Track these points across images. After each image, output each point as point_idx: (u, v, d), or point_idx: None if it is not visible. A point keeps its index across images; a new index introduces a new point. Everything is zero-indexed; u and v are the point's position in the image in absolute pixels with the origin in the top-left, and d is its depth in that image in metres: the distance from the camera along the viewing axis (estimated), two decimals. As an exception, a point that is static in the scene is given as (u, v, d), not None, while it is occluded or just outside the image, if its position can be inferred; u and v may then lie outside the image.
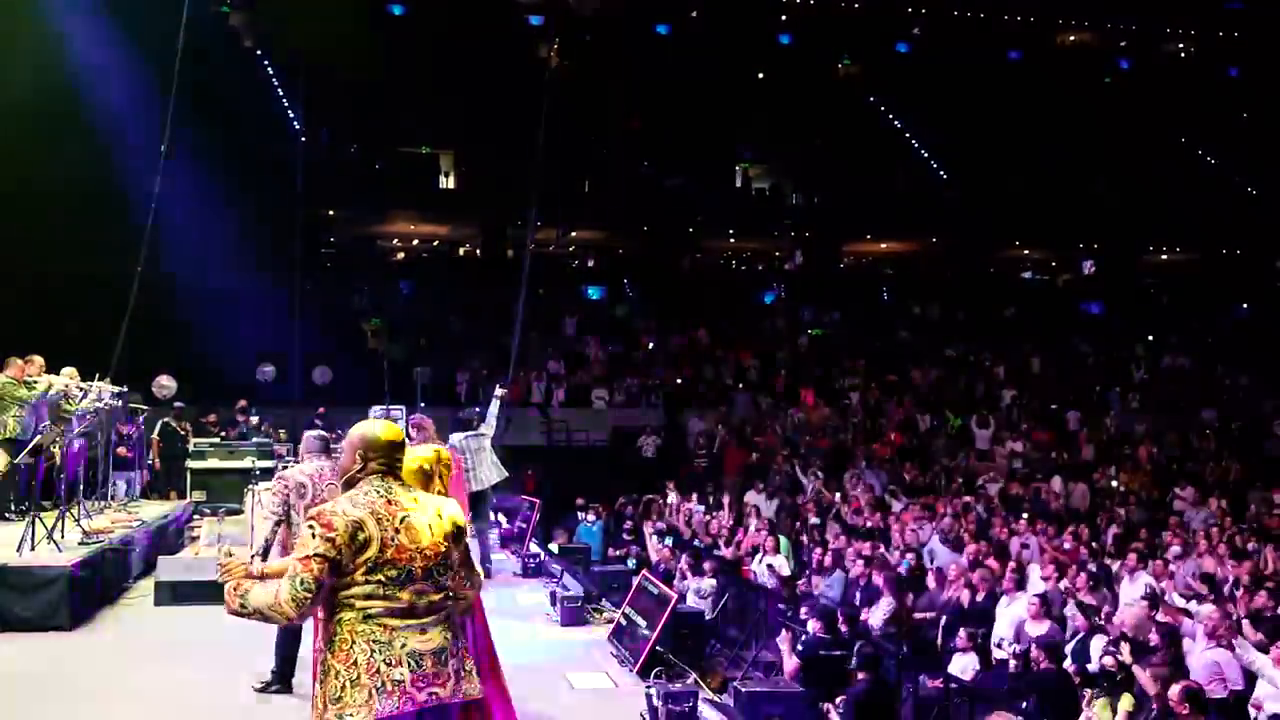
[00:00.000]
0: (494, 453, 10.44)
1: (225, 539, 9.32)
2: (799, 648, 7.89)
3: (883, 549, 11.77)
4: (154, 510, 10.99)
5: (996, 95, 30.36)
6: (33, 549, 7.88)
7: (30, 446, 8.70)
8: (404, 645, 3.25)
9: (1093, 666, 7.71)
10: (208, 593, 8.13)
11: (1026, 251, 34.06)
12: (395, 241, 32.01)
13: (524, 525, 11.70)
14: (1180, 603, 9.38)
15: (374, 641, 3.22)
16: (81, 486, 9.75)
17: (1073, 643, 8.44)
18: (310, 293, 16.93)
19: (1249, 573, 10.35)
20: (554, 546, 12.33)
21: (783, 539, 12.35)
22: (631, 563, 12.10)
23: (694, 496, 15.45)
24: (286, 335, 15.58)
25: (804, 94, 29.77)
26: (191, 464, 12.57)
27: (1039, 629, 8.45)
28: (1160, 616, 8.43)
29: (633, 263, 30.32)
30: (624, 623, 7.30)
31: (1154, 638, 7.69)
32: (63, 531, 8.25)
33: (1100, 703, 6.94)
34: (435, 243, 32.20)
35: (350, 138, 27.57)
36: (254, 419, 14.91)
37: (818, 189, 31.33)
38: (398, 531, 3.30)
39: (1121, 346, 26.72)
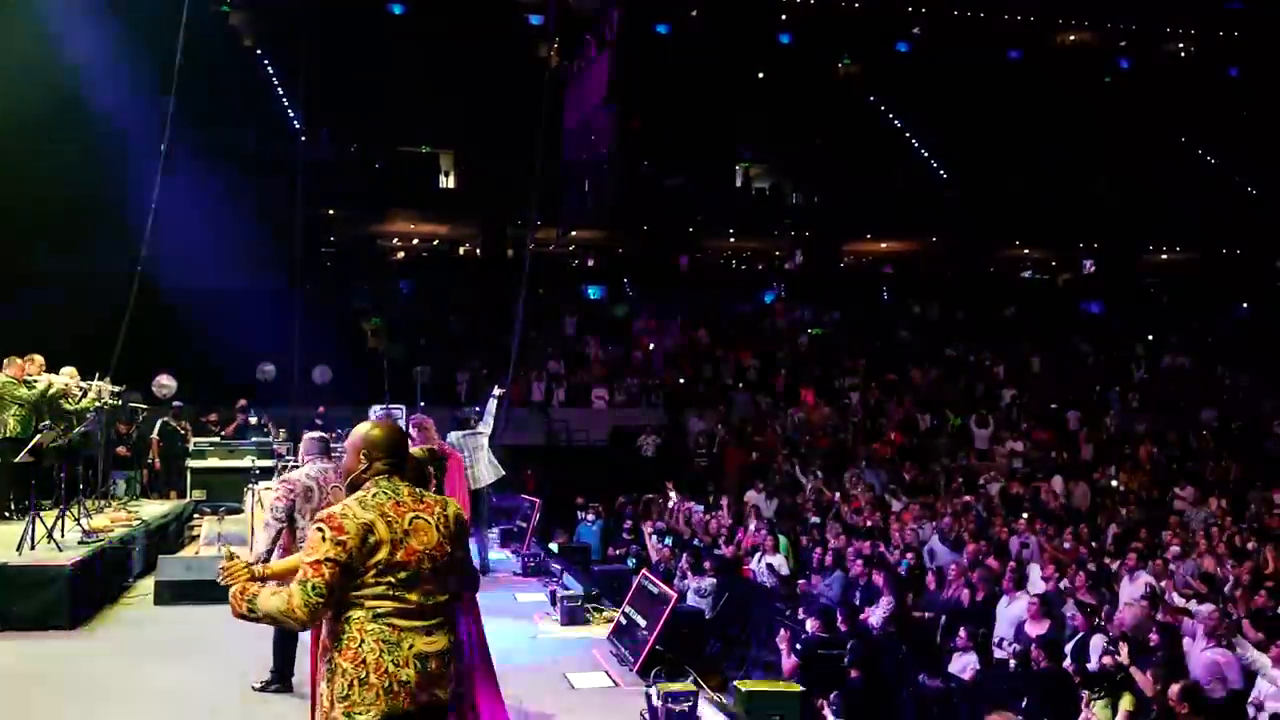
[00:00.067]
0: (492, 452, 10.45)
1: (225, 538, 9.34)
2: (797, 646, 7.90)
3: (883, 548, 11.77)
4: (154, 509, 10.99)
5: (996, 95, 30.40)
6: (33, 548, 7.89)
7: (30, 445, 8.69)
8: (411, 647, 3.25)
9: (1092, 666, 7.71)
10: (207, 592, 8.16)
11: (1026, 251, 34.07)
12: (395, 241, 32.03)
13: (524, 525, 11.71)
14: (1180, 602, 9.37)
15: (383, 641, 3.22)
16: (81, 486, 9.75)
17: (1072, 642, 8.44)
18: (310, 292, 16.90)
19: (1250, 572, 10.34)
20: (554, 546, 12.33)
21: (782, 538, 12.35)
22: (631, 562, 12.09)
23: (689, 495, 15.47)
24: (286, 335, 15.54)
25: (804, 94, 29.80)
26: (191, 463, 12.58)
27: (1039, 628, 8.45)
28: (1160, 616, 8.43)
29: (633, 262, 30.35)
30: (624, 622, 7.31)
31: (1154, 637, 7.70)
32: (63, 530, 8.26)
33: (1100, 703, 6.93)
34: (435, 242, 32.21)
35: (350, 137, 27.57)
36: (252, 419, 14.90)
37: (818, 189, 31.34)
38: (407, 533, 3.31)
39: (1121, 346, 26.73)
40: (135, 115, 16.15)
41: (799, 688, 6.48)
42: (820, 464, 17.74)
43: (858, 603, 9.81)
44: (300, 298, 15.67)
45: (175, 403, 14.48)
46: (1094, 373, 25.15)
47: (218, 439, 13.67)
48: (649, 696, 5.70)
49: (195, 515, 11.68)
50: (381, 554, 3.24)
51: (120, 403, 11.33)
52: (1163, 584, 10.03)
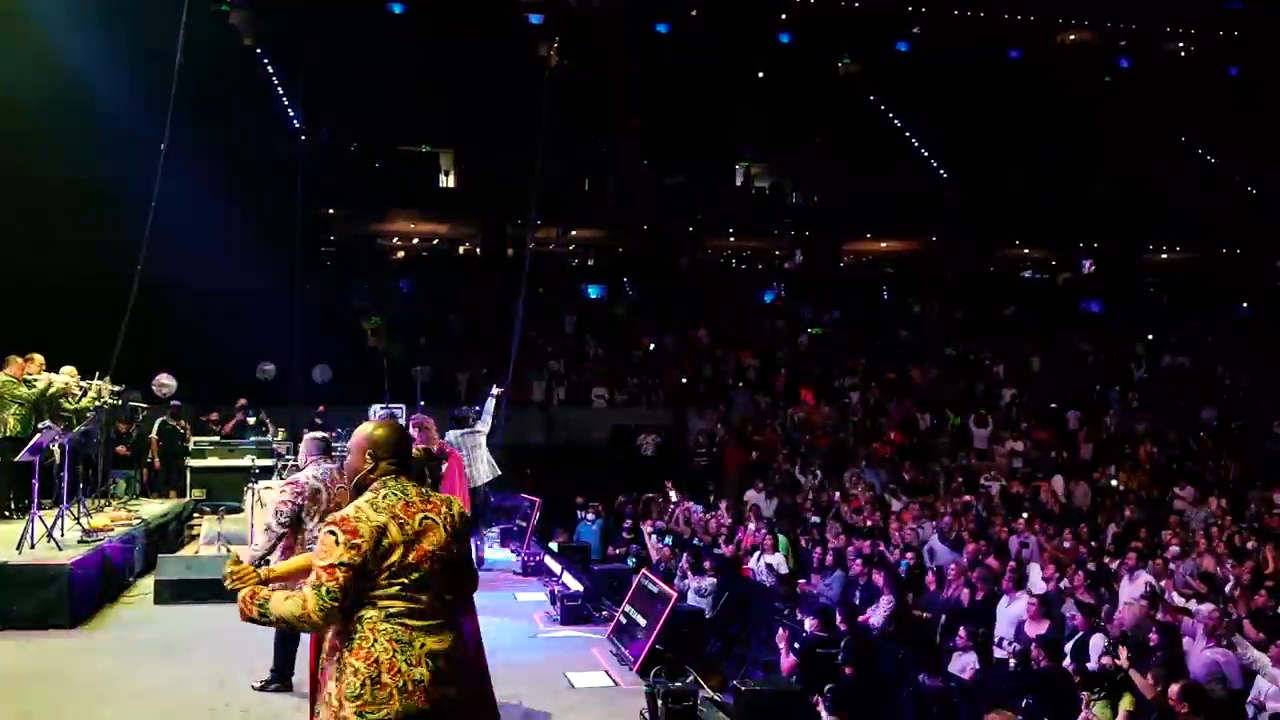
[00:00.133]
0: (489, 451, 10.47)
1: (225, 537, 9.34)
2: (795, 646, 7.90)
3: (883, 548, 11.77)
4: (153, 508, 10.99)
5: (996, 95, 30.38)
6: (33, 547, 7.89)
7: (30, 445, 8.69)
8: (423, 646, 3.27)
9: (1092, 665, 7.71)
10: (207, 591, 8.17)
11: (1026, 250, 34.07)
12: (395, 240, 32.04)
13: (524, 524, 11.71)
14: (1180, 602, 9.38)
15: (396, 641, 3.24)
16: (81, 485, 9.76)
17: (1072, 642, 8.44)
18: (310, 291, 16.91)
19: (1251, 572, 10.34)
20: (554, 545, 12.33)
21: (782, 538, 12.35)
22: (631, 561, 12.09)
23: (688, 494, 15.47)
24: (286, 334, 15.56)
25: (804, 93, 29.78)
26: (191, 462, 12.59)
27: (1038, 628, 8.45)
28: (1160, 616, 8.43)
29: (633, 261, 30.35)
30: (624, 621, 7.31)
31: (1154, 637, 7.70)
32: (62, 530, 8.26)
33: (1100, 703, 6.94)
34: (435, 241, 32.22)
35: (350, 136, 27.58)
36: (251, 419, 14.90)
37: (818, 188, 31.34)
38: (418, 534, 3.32)
39: (1121, 345, 26.73)
40: (135, 114, 16.14)
41: (799, 687, 6.49)
42: (820, 463, 17.73)
43: (857, 602, 9.81)
44: (300, 297, 15.67)
45: (174, 402, 14.49)
46: (1094, 372, 25.14)
47: (217, 438, 13.69)
48: (649, 696, 5.70)
49: (195, 514, 11.68)
50: (395, 556, 3.25)
51: (120, 402, 11.34)
52: (1162, 583, 10.03)
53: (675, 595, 7.17)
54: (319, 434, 6.40)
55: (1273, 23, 28.96)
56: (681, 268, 30.18)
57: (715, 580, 10.49)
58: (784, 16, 30.47)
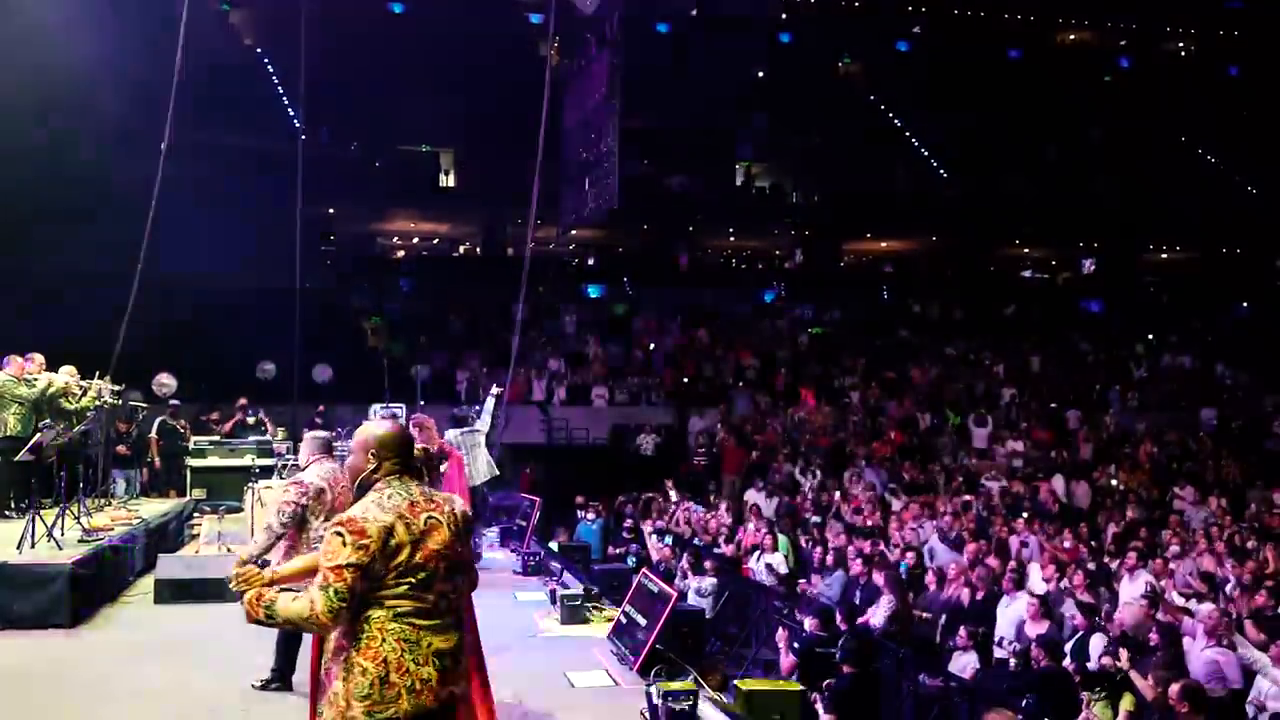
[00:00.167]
0: (490, 451, 10.46)
1: (225, 536, 9.34)
2: (795, 645, 7.90)
3: (883, 547, 11.77)
4: (154, 508, 10.99)
5: (997, 94, 30.37)
6: (33, 546, 7.89)
7: (30, 444, 8.70)
8: (430, 645, 3.29)
9: (1092, 665, 7.71)
10: (208, 590, 8.17)
11: (1026, 250, 34.08)
12: (395, 240, 32.05)
13: (524, 523, 11.71)
14: (1180, 601, 9.38)
15: (404, 640, 3.25)
16: (81, 484, 9.76)
17: (1072, 641, 8.45)
18: (310, 291, 16.90)
19: (1252, 572, 10.34)
20: (554, 545, 12.33)
21: (782, 537, 12.35)
22: (631, 561, 12.09)
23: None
24: (286, 334, 15.55)
25: (804, 93, 29.77)
26: (191, 462, 12.59)
27: (1039, 628, 8.45)
28: (1160, 615, 8.43)
29: (633, 261, 30.34)
30: (624, 621, 7.30)
31: (1154, 637, 7.70)
32: (63, 529, 8.26)
33: (1100, 703, 6.94)
34: (435, 241, 32.24)
35: (350, 136, 27.58)
36: (250, 418, 14.91)
37: (818, 187, 31.34)
38: (424, 533, 3.33)
39: (1121, 345, 26.73)
40: (135, 113, 16.14)
41: (799, 686, 6.49)
42: (820, 463, 17.73)
43: (858, 602, 9.81)
44: (300, 297, 15.67)
45: (172, 401, 14.50)
46: (1094, 372, 25.15)
47: (217, 438, 13.69)
48: (649, 695, 5.70)
49: (195, 514, 11.68)
50: (402, 556, 3.26)
51: (120, 401, 11.34)
52: (1163, 583, 10.03)
53: (675, 595, 7.16)
54: (320, 433, 6.38)
55: (1273, 23, 28.94)
56: (681, 268, 30.19)
57: (715, 580, 10.50)
58: (784, 16, 30.44)
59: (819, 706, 7.00)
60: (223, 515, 9.91)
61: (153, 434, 13.41)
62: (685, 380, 22.91)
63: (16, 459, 9.07)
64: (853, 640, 7.22)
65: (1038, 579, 10.18)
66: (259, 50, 27.52)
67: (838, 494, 15.55)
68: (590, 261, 30.81)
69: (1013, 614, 9.03)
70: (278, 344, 17.12)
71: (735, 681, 6.37)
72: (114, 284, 12.31)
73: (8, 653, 6.90)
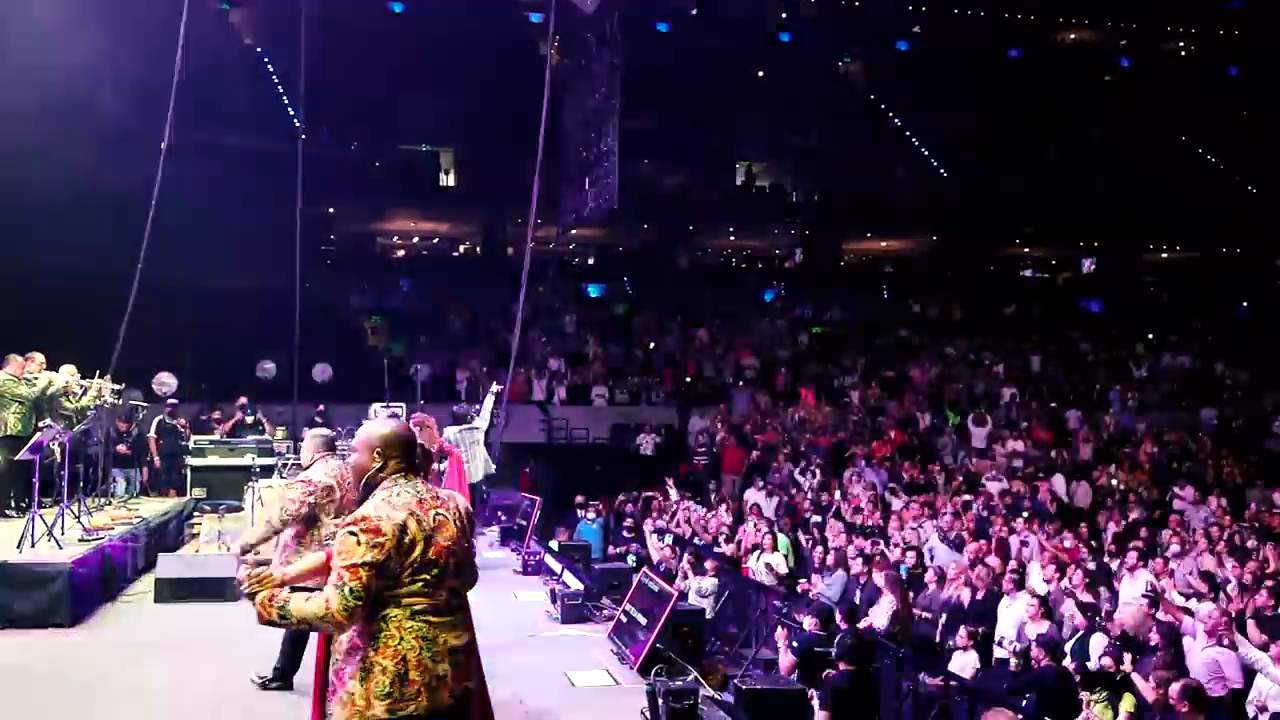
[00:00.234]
0: (489, 449, 10.47)
1: (225, 536, 9.33)
2: (794, 645, 7.90)
3: (883, 547, 11.77)
4: (154, 507, 10.99)
5: (997, 93, 30.37)
6: (33, 546, 7.88)
7: (30, 443, 8.69)
8: (445, 642, 3.33)
9: (1093, 664, 7.71)
10: (208, 589, 8.17)
11: (1026, 250, 34.07)
12: (395, 239, 32.05)
13: (524, 523, 11.71)
14: (1180, 601, 9.37)
15: (421, 638, 3.29)
16: (82, 484, 9.75)
17: (1072, 641, 8.44)
18: (310, 291, 16.92)
19: (1253, 572, 10.34)
20: (554, 544, 12.32)
21: (782, 537, 12.34)
22: (632, 560, 12.08)
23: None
24: (286, 333, 15.57)
25: (804, 92, 29.77)
26: (191, 461, 12.59)
27: (1039, 627, 8.45)
28: (1160, 615, 8.43)
29: (633, 261, 30.34)
30: (624, 620, 7.30)
31: (1154, 636, 7.70)
32: (63, 528, 8.26)
33: (1101, 704, 6.94)
34: (435, 240, 32.24)
35: (350, 136, 27.59)
36: (249, 418, 14.92)
37: (818, 187, 31.34)
38: (434, 529, 3.36)
39: (1121, 345, 26.73)
40: (136, 113, 16.15)
41: (800, 686, 6.49)
42: (820, 463, 17.73)
43: (858, 602, 9.80)
44: (300, 296, 15.68)
45: (170, 400, 14.50)
46: (1094, 372, 25.15)
47: (217, 437, 13.70)
48: (650, 695, 5.70)
49: (195, 513, 11.68)
50: (416, 552, 3.29)
51: (120, 401, 11.34)
52: (1163, 583, 10.03)
53: (676, 594, 7.17)
54: (323, 430, 6.37)
55: (1273, 23, 28.93)
56: (681, 267, 30.19)
57: (716, 581, 10.50)
58: (784, 15, 30.45)
59: (815, 703, 7.00)
60: (223, 514, 9.92)
61: (151, 433, 13.42)
62: (685, 380, 22.91)
63: (17, 458, 9.07)
64: (849, 638, 7.22)
65: (1038, 579, 10.17)
66: (259, 50, 27.52)
67: (838, 493, 15.54)
68: (590, 261, 30.82)
69: (1013, 614, 9.02)
70: (278, 344, 17.14)
71: (735, 681, 6.37)
72: (114, 284, 12.32)
73: (8, 652, 6.90)
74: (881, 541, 12.13)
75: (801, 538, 12.89)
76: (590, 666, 6.85)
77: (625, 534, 13.57)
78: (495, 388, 11.54)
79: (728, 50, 28.37)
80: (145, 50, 15.08)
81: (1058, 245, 33.57)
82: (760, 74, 30.73)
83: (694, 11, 29.06)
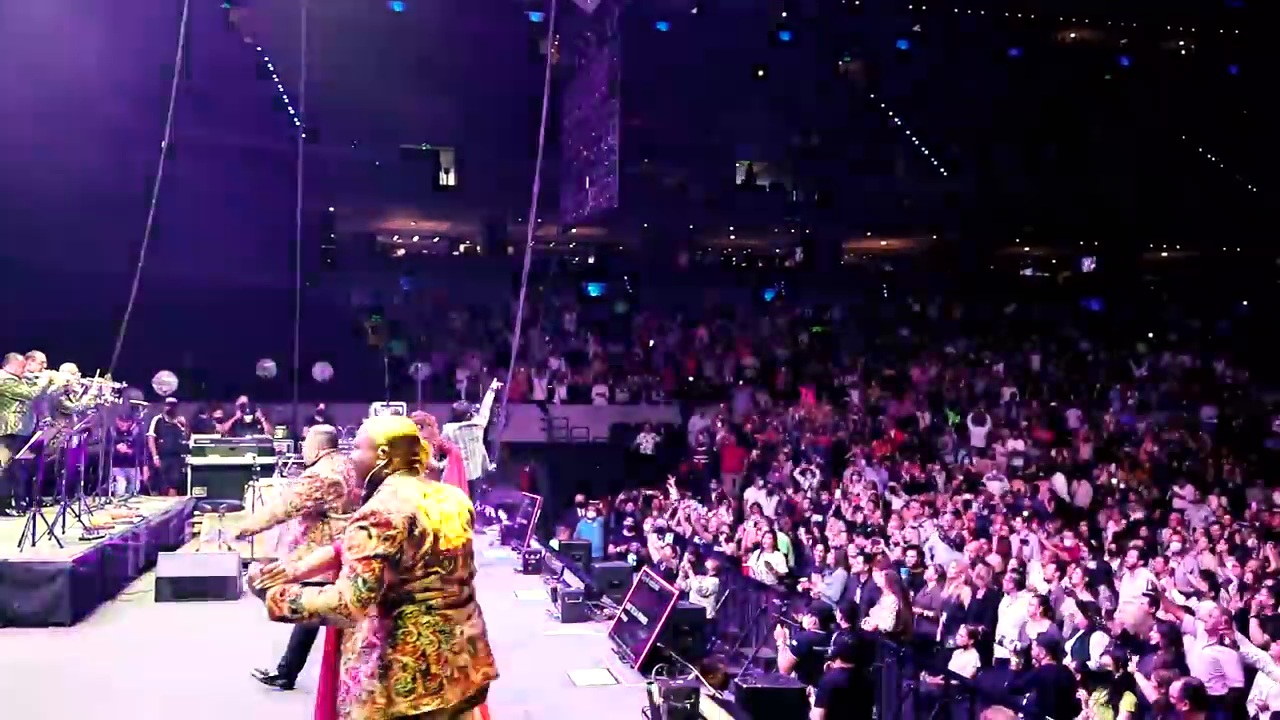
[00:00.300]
0: (488, 447, 10.46)
1: (226, 534, 9.32)
2: (793, 644, 7.90)
3: (883, 546, 11.77)
4: (154, 506, 10.99)
5: (998, 92, 30.36)
6: (34, 544, 7.88)
7: (31, 442, 8.69)
8: (461, 632, 3.39)
9: (1093, 664, 7.71)
10: (208, 588, 8.17)
11: (1027, 249, 34.06)
12: (396, 238, 32.05)
13: (524, 522, 11.70)
14: (1181, 600, 9.37)
15: (439, 632, 3.34)
16: (82, 483, 9.75)
17: (1073, 640, 8.44)
18: (310, 289, 16.92)
19: (1253, 571, 10.34)
20: (555, 543, 12.32)
21: (782, 536, 12.34)
22: (632, 559, 12.09)
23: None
24: (286, 332, 15.57)
25: (804, 90, 29.76)
26: (191, 460, 12.60)
27: (1040, 626, 8.45)
28: (1161, 614, 8.43)
29: (633, 260, 30.34)
30: (625, 619, 7.30)
31: (1155, 635, 7.70)
32: (63, 527, 8.25)
33: (1101, 703, 6.94)
34: (435, 239, 32.23)
35: (350, 135, 27.56)
36: (248, 417, 14.92)
37: (818, 186, 31.33)
38: (442, 523, 3.41)
39: (1122, 344, 26.72)
40: (136, 112, 16.15)
41: (800, 685, 6.49)
42: (820, 462, 17.74)
43: (859, 601, 9.81)
44: (300, 295, 15.68)
45: (169, 400, 14.50)
46: (1094, 371, 25.14)
47: (217, 435, 13.70)
48: (650, 694, 5.70)
49: (196, 512, 11.68)
50: (427, 544, 3.33)
51: (120, 400, 11.34)
52: (1163, 582, 10.03)
53: (676, 594, 7.16)
54: (326, 427, 6.34)
55: (1273, 23, 28.93)
56: (681, 266, 30.18)
57: (717, 580, 10.50)
58: (785, 14, 30.43)
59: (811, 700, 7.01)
60: (223, 513, 9.91)
61: (150, 432, 13.42)
62: (685, 379, 22.91)
63: (17, 456, 9.07)
64: (846, 636, 7.23)
65: (1038, 578, 10.17)
66: (259, 50, 27.51)
67: (838, 493, 15.54)
68: (590, 260, 30.81)
69: (1014, 613, 9.02)
70: (278, 343, 17.13)
71: (736, 680, 6.37)
72: (115, 281, 12.31)
73: (8, 651, 6.89)
74: (882, 541, 12.13)
75: (802, 537, 12.89)
76: (591, 665, 6.85)
77: (626, 533, 13.58)
78: (495, 385, 11.53)
79: (727, 49, 28.35)
80: (145, 50, 15.07)
81: (1058, 244, 33.56)
82: (760, 73, 30.72)
83: (694, 11, 29.05)
